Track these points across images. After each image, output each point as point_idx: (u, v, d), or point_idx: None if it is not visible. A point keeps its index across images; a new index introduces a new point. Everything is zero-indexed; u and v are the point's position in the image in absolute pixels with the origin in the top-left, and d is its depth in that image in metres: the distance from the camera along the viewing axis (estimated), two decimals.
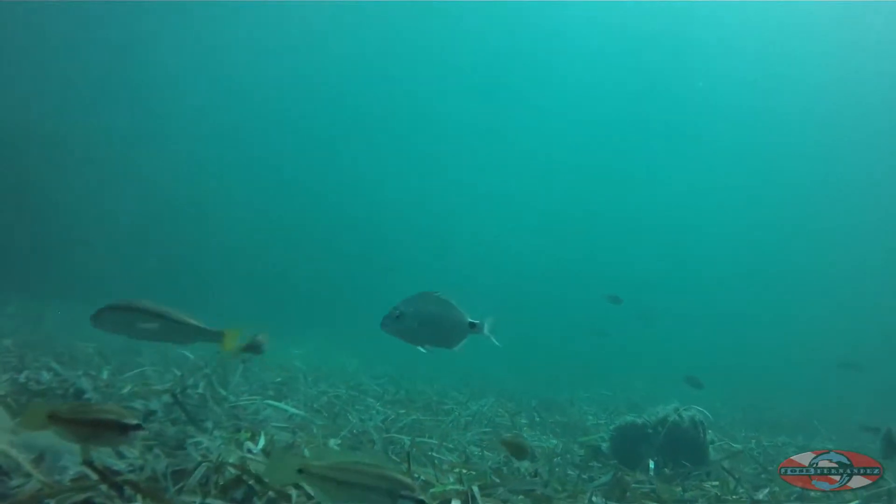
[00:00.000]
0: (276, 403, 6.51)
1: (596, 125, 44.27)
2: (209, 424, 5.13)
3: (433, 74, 42.31)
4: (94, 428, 2.95)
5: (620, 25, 39.97)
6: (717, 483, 6.06)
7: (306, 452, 4.42)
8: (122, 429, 2.98)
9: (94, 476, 3.28)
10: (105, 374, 6.73)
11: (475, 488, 4.12)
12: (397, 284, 28.87)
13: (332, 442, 5.50)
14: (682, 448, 6.98)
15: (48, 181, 19.72)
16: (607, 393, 13.33)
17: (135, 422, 2.98)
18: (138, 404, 5.52)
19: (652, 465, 6.41)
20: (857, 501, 5.20)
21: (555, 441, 7.57)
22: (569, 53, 41.93)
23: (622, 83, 42.81)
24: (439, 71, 42.27)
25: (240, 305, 20.48)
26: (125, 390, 6.04)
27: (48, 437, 3.82)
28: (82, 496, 3.18)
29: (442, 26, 39.63)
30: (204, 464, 3.70)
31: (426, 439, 6.21)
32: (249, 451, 4.23)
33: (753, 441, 9.01)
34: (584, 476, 5.68)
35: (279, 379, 8.66)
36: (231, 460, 3.80)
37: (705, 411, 7.36)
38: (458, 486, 4.29)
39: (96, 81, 29.45)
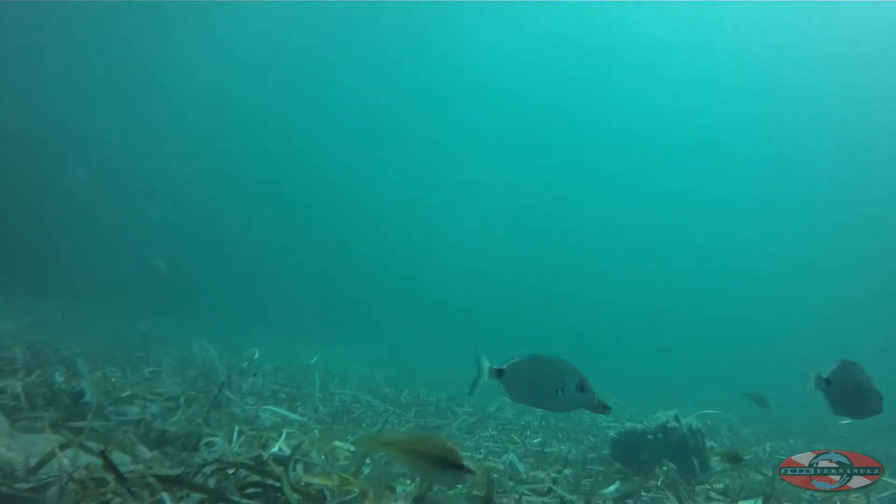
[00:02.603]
0: (276, 409, 6.57)
1: (605, 128, 44.26)
2: (221, 429, 5.20)
3: (437, 77, 42.34)
4: (429, 462, 3.04)
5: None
6: (721, 485, 6.17)
7: (314, 455, 4.47)
8: (457, 468, 3.04)
9: (111, 477, 3.34)
10: (114, 378, 6.79)
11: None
12: (412, 295, 29.03)
13: (340, 444, 5.55)
14: (683, 454, 7.03)
15: (57, 184, 19.84)
16: (616, 400, 13.33)
17: (467, 464, 3.05)
18: (136, 407, 5.59)
19: (665, 469, 6.43)
20: None
21: (563, 447, 7.62)
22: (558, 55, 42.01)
23: (625, 84, 42.86)
24: (444, 74, 42.32)
25: (254, 310, 20.64)
26: (124, 394, 6.10)
27: (46, 441, 3.90)
28: (101, 498, 3.24)
29: (444, 27, 39.69)
30: (211, 465, 3.76)
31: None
32: (280, 450, 4.30)
33: (761, 448, 9.05)
34: (586, 481, 5.71)
35: (288, 388, 8.70)
36: (248, 461, 3.86)
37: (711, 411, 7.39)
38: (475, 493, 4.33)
39: (103, 83, 29.60)
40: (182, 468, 3.86)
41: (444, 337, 23.01)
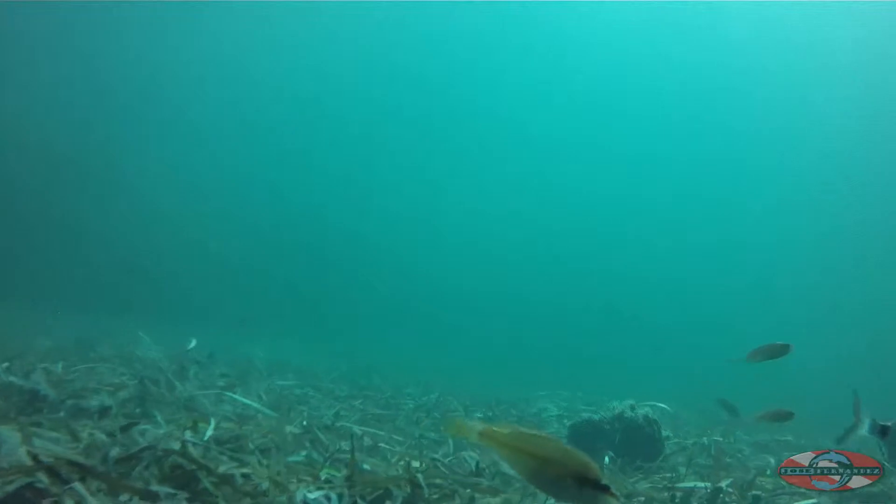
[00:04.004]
0: (233, 395, 6.58)
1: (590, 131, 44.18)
2: (160, 417, 5.20)
3: (421, 80, 42.18)
4: (559, 473, 2.46)
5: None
6: (668, 475, 6.23)
7: (251, 445, 4.47)
8: (596, 488, 2.43)
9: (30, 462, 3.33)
10: (59, 367, 6.74)
11: (420, 476, 4.14)
12: (364, 288, 29.05)
13: (289, 429, 5.57)
14: (637, 443, 7.11)
15: (30, 188, 19.69)
16: (567, 393, 13.44)
17: (602, 480, 2.45)
18: (95, 402, 5.55)
19: (607, 459, 6.49)
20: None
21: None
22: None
23: (610, 90, 42.93)
24: (427, 76, 42.17)
25: (208, 306, 20.52)
26: (79, 385, 6.06)
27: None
28: (25, 480, 3.23)
29: (432, 29, 39.56)
30: (148, 450, 3.75)
31: (376, 431, 6.28)
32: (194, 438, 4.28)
33: (705, 437, 9.17)
34: None
35: (231, 375, 8.68)
36: (174, 447, 3.84)
37: (660, 405, 7.51)
38: (405, 475, 4.30)
39: (81, 88, 29.35)
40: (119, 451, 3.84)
41: (402, 335, 23.08)
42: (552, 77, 43.03)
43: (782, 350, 4.99)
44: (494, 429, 2.56)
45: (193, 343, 8.23)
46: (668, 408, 7.47)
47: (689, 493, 5.27)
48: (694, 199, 43.25)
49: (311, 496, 3.30)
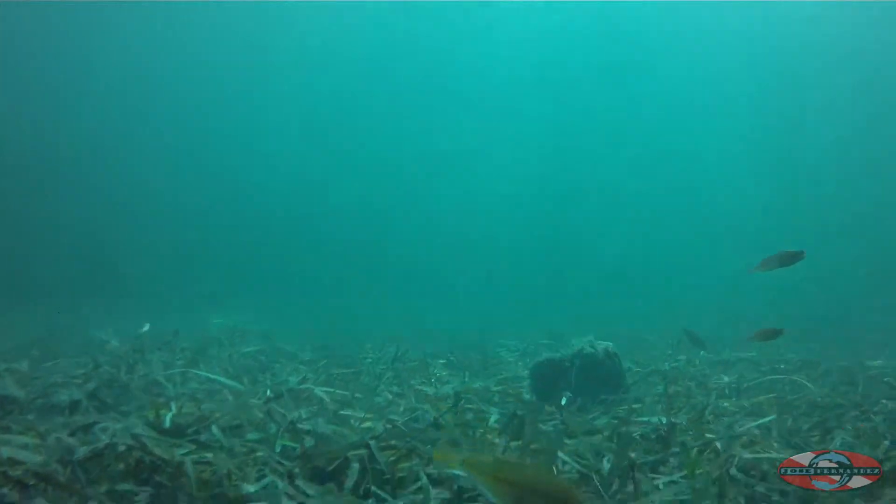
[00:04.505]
0: (196, 371, 6.70)
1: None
2: (122, 407, 5.33)
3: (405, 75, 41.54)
4: (527, 495, 2.44)
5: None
6: (625, 407, 6.46)
7: (212, 426, 4.56)
8: None
9: None
10: (25, 365, 6.81)
11: (373, 443, 4.19)
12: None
13: (252, 401, 5.69)
14: (599, 378, 7.31)
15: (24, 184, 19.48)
16: (531, 332, 13.62)
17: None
18: (64, 396, 5.64)
19: (564, 400, 6.65)
20: None
21: (466, 380, 7.87)
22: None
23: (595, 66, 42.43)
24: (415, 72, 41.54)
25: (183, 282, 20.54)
26: (47, 382, 6.14)
27: None
28: None
29: (428, 27, 38.89)
30: (110, 447, 3.85)
31: (340, 391, 6.42)
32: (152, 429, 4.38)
33: (667, 363, 9.46)
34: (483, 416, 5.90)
35: (193, 349, 8.80)
36: (129, 440, 3.95)
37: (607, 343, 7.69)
38: (360, 441, 4.35)
39: (75, 83, 28.85)
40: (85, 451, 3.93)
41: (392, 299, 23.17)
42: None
43: (795, 257, 5.15)
44: (478, 458, 2.60)
45: (147, 327, 8.36)
46: (612, 345, 7.64)
47: (630, 431, 5.32)
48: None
49: (252, 489, 3.42)
